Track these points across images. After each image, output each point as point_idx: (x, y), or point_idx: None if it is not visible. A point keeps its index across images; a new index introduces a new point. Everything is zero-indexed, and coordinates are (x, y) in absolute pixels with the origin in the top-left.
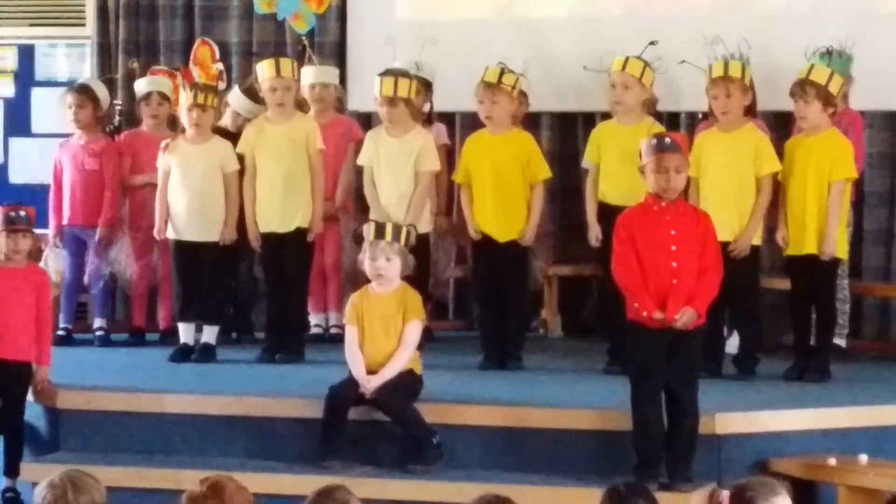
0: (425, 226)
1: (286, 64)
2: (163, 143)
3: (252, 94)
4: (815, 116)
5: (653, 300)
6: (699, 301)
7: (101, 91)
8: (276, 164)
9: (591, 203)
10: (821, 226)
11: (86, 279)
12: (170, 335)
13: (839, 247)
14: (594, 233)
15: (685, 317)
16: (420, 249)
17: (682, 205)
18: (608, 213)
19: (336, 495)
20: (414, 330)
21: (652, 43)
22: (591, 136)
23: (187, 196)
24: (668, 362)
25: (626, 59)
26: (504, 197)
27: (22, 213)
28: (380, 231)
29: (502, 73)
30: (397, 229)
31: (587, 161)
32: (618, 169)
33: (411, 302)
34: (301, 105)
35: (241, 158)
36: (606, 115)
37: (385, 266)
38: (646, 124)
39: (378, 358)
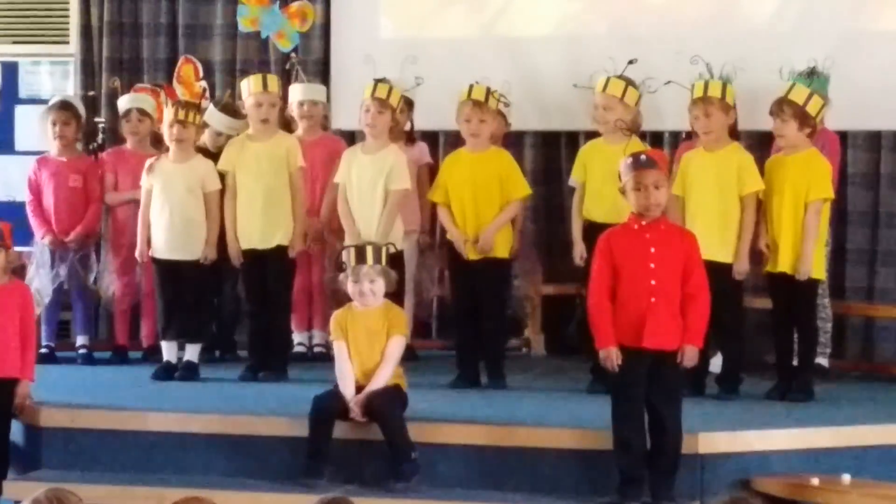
0: (398, 243)
1: (273, 80)
2: (147, 163)
3: (228, 110)
4: (792, 136)
5: (613, 336)
6: (694, 332)
7: (81, 108)
8: (256, 181)
9: (576, 221)
10: (796, 245)
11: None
12: (153, 353)
13: (817, 267)
14: (579, 251)
15: (688, 355)
16: (395, 266)
17: (665, 223)
18: (593, 232)
19: None
20: (397, 345)
21: (631, 62)
22: (578, 154)
23: (168, 215)
24: (650, 381)
25: (608, 79)
26: (482, 215)
27: None
28: (360, 256)
29: (489, 91)
30: (377, 251)
31: (573, 179)
32: (603, 187)
33: (395, 318)
34: (287, 123)
35: (222, 177)
36: (591, 134)
37: (370, 288)
38: (633, 144)
39: (365, 372)
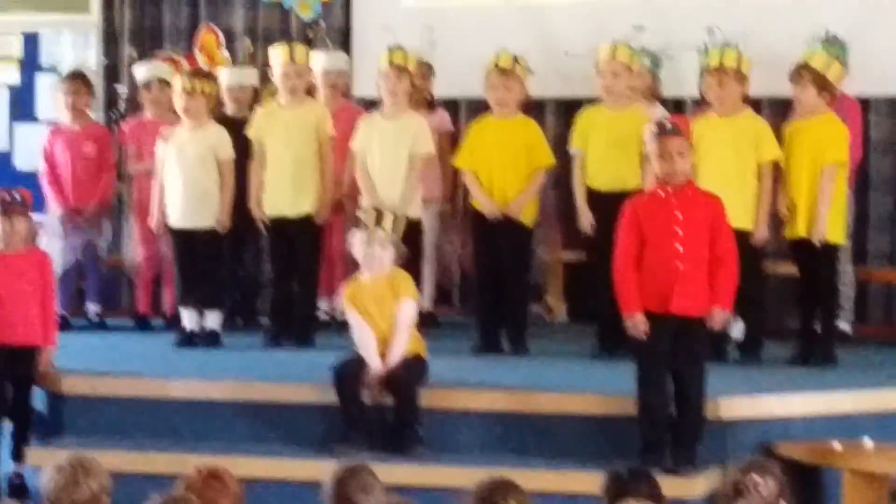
0: (417, 211)
1: (300, 50)
2: (162, 131)
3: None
4: (810, 101)
5: (639, 303)
6: (723, 296)
7: (91, 78)
8: (286, 149)
9: (579, 190)
10: (811, 209)
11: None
12: (175, 322)
13: (835, 231)
14: (586, 219)
15: (717, 318)
16: (413, 235)
17: (692, 189)
18: (598, 200)
19: (362, 477)
20: (408, 309)
21: (638, 29)
22: (576, 121)
23: (181, 183)
24: (675, 347)
25: (615, 46)
26: (509, 182)
27: (17, 196)
28: (380, 218)
29: (515, 59)
30: (395, 220)
31: (574, 147)
32: (605, 154)
33: (403, 283)
34: (310, 90)
35: (248, 144)
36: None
37: (380, 254)
38: (634, 110)
39: (380, 340)
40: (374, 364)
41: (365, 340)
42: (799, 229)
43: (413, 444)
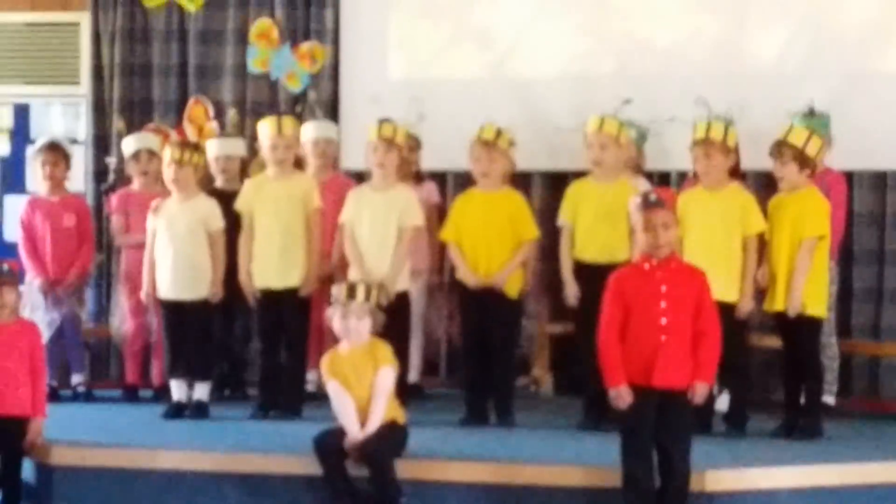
0: (405, 283)
1: (288, 122)
2: (152, 204)
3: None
4: (792, 176)
5: (623, 375)
6: (705, 371)
7: (69, 148)
8: (274, 221)
9: (566, 262)
10: (790, 282)
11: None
12: (164, 393)
13: (816, 305)
14: (572, 291)
15: (699, 392)
16: (400, 306)
17: (677, 262)
18: (585, 271)
19: None
20: (386, 377)
21: (626, 102)
22: (566, 193)
23: (172, 254)
24: (659, 420)
25: (602, 118)
26: (494, 255)
27: (5, 267)
28: (351, 292)
29: (499, 131)
30: (368, 289)
31: (563, 219)
32: (594, 226)
33: (381, 351)
34: (299, 163)
35: (238, 217)
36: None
37: (356, 325)
38: (622, 182)
39: (358, 411)
40: (353, 432)
41: (344, 409)
42: (778, 302)
43: None
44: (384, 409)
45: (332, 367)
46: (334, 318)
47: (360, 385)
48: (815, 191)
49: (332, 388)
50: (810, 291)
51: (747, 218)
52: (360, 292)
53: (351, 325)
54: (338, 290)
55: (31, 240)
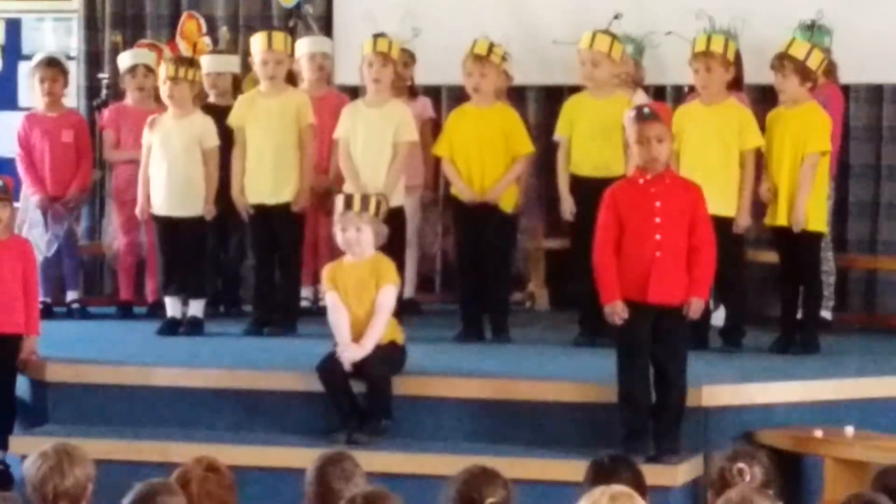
0: (399, 198)
1: (278, 37)
2: (148, 119)
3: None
4: (793, 90)
5: (618, 290)
6: (699, 284)
7: (67, 64)
8: (266, 136)
9: (562, 176)
10: (793, 198)
11: (44, 248)
12: (158, 309)
13: (817, 219)
14: (567, 206)
15: (694, 308)
16: (395, 222)
17: (671, 176)
18: (581, 187)
19: (343, 465)
20: (388, 294)
21: (616, 17)
22: (562, 108)
23: (166, 171)
24: (655, 335)
25: (594, 34)
26: (488, 170)
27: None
28: (348, 202)
29: (491, 46)
30: (365, 199)
31: (559, 134)
32: (590, 141)
33: (384, 268)
34: (292, 78)
35: (231, 132)
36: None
37: (355, 236)
38: (618, 97)
39: (355, 325)
40: (344, 343)
41: (339, 322)
42: (780, 217)
43: (373, 435)
44: (383, 327)
45: (333, 278)
46: (336, 230)
47: (359, 301)
48: (817, 105)
49: (330, 299)
50: (811, 206)
51: (745, 132)
52: (356, 202)
53: (350, 236)
54: (336, 202)
55: (29, 155)
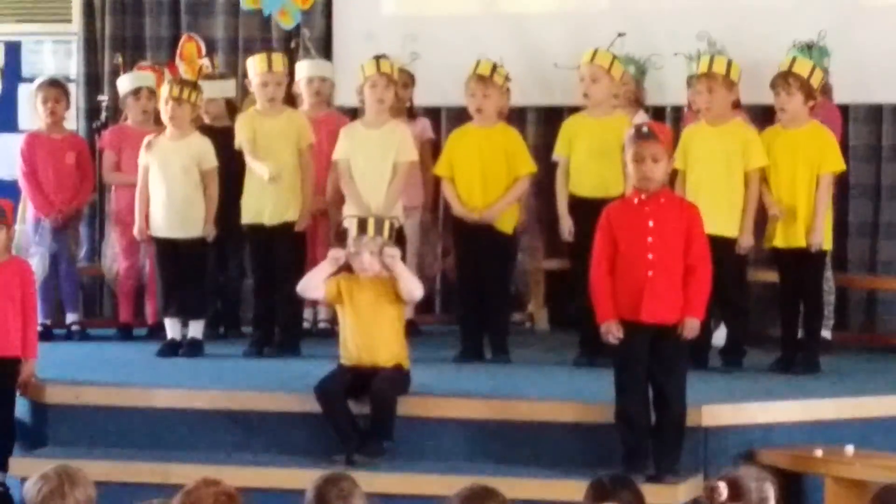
0: (399, 219)
1: (277, 59)
2: (145, 140)
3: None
4: (796, 108)
5: (613, 310)
6: (694, 304)
7: (68, 86)
8: (266, 158)
9: (561, 196)
10: (807, 218)
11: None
12: (158, 331)
13: (826, 238)
14: (566, 226)
15: (689, 327)
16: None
17: (667, 196)
18: (580, 207)
19: (342, 485)
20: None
21: (620, 35)
22: (561, 128)
23: (165, 193)
24: (652, 355)
25: (595, 51)
26: (489, 190)
27: None
28: (362, 226)
29: (494, 66)
30: (379, 223)
31: (558, 154)
32: (588, 161)
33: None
34: (292, 100)
35: (237, 153)
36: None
37: (370, 260)
38: (618, 117)
39: (368, 346)
40: (315, 280)
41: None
42: (791, 238)
43: (373, 456)
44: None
45: (348, 290)
46: (349, 253)
47: (373, 318)
48: (820, 124)
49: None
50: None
51: (750, 152)
52: (371, 226)
53: (365, 260)
54: (349, 225)
55: (33, 173)
